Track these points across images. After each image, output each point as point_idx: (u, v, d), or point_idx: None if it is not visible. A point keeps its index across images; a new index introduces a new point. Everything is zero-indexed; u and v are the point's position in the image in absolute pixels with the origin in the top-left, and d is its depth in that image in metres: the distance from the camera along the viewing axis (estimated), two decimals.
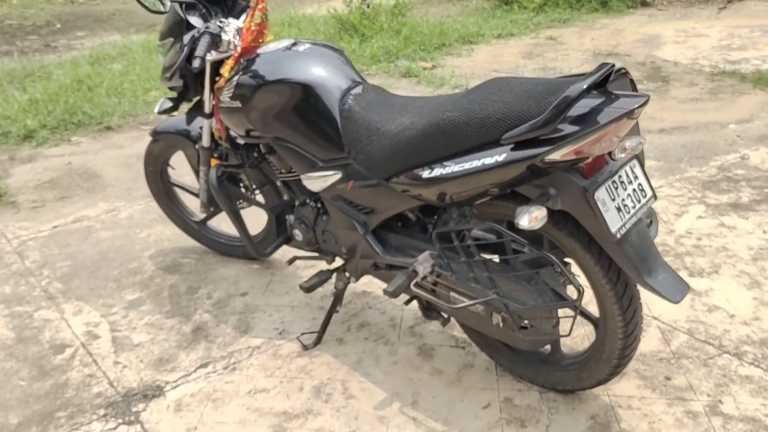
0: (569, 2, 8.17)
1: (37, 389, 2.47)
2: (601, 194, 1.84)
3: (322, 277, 2.56)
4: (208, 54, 2.47)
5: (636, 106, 1.75)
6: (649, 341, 2.54)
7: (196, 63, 2.24)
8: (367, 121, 2.21)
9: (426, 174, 2.01)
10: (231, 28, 2.57)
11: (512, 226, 2.03)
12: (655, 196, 1.99)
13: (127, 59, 6.78)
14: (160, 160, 3.14)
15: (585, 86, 1.73)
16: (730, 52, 6.45)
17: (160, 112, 2.68)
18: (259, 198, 2.88)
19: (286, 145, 2.40)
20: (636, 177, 1.95)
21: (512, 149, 1.83)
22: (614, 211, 1.86)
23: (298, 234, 2.63)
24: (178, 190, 3.29)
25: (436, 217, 2.26)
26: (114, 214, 3.79)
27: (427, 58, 6.53)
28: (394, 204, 2.24)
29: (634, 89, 2.04)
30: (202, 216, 3.17)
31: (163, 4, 2.41)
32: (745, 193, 3.69)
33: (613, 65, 1.83)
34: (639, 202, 1.94)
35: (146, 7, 2.36)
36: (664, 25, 7.58)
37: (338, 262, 2.61)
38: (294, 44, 2.44)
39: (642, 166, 1.99)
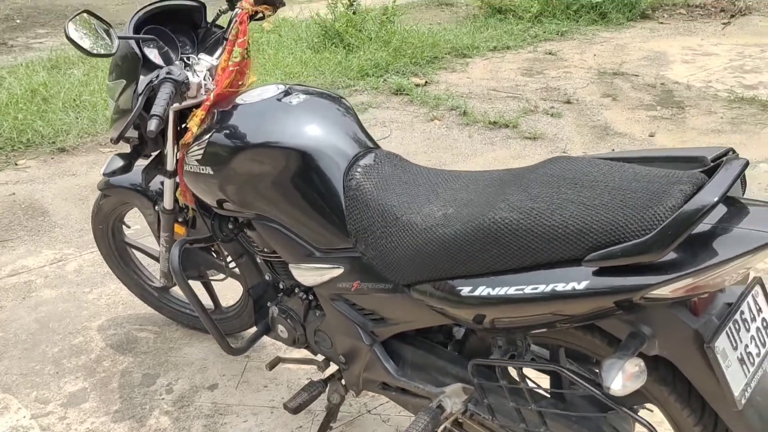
0: (566, 13, 7.66)
1: None
2: (721, 343, 1.31)
3: (313, 392, 2.00)
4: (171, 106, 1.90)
5: None
6: None
7: (152, 125, 1.66)
8: (382, 206, 1.66)
9: (466, 291, 1.46)
10: (202, 66, 2.00)
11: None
12: None
13: (90, 64, 6.13)
14: (111, 218, 2.55)
15: (715, 200, 1.19)
16: (745, 75, 5.97)
17: (108, 174, 2.08)
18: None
19: (271, 226, 1.84)
20: (760, 310, 1.42)
21: (596, 274, 1.29)
22: (737, 364, 1.33)
23: (282, 330, 2.07)
24: (134, 251, 2.71)
25: (468, 332, 1.73)
26: (60, 265, 3.19)
27: (420, 73, 5.98)
28: (413, 318, 1.69)
29: (743, 179, 1.51)
30: (164, 284, 2.60)
31: (109, 42, 1.80)
32: None
33: (747, 162, 1.31)
34: (764, 345, 1.41)
35: (85, 51, 1.76)
36: (668, 41, 7.10)
37: (333, 367, 2.05)
38: (286, 93, 1.87)
39: (764, 289, 1.46)
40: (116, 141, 1.82)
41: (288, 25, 7.31)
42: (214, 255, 2.37)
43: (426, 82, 5.80)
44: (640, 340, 1.35)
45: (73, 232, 3.48)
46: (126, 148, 2.09)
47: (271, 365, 2.16)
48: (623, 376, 1.27)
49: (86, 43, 1.74)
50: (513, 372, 1.67)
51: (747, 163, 1.30)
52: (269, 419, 2.27)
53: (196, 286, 2.20)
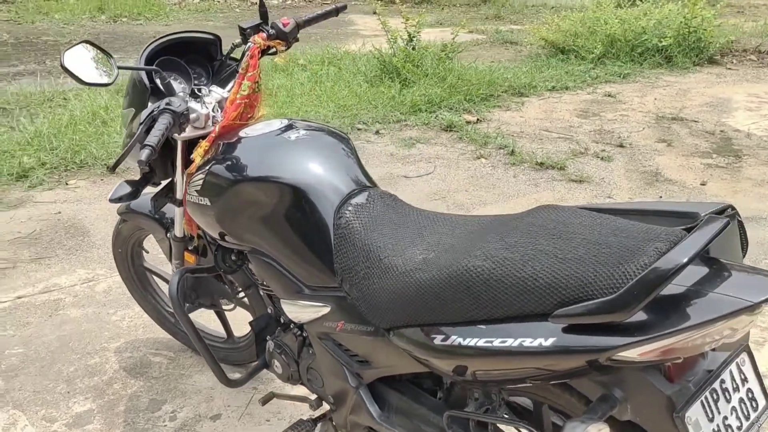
0: (630, 56, 7.54)
1: None
2: (694, 413, 1.23)
3: (302, 430, 1.98)
4: (176, 134, 1.93)
5: (763, 298, 1.14)
6: None
7: (143, 155, 1.67)
8: (368, 246, 1.63)
9: (439, 339, 1.41)
10: (212, 98, 2.02)
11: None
12: None
13: None
14: (130, 242, 2.59)
15: (685, 260, 1.13)
16: None
17: (114, 200, 2.11)
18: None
19: (264, 260, 1.83)
20: (745, 380, 1.34)
21: (565, 331, 1.23)
22: None
23: (277, 365, 2.05)
24: (153, 276, 2.75)
25: (449, 384, 1.67)
26: (90, 285, 3.26)
27: (473, 110, 5.95)
28: (394, 362, 1.65)
29: (744, 239, 1.44)
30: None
31: (110, 72, 1.83)
32: None
33: (728, 221, 1.23)
34: (747, 418, 1.32)
35: (80, 80, 1.79)
36: (734, 88, 6.91)
37: (325, 406, 2.02)
38: (288, 127, 1.88)
39: (752, 358, 1.37)
40: (113, 169, 1.84)
41: (349, 58, 7.40)
42: (228, 284, 2.37)
43: (478, 119, 5.76)
44: (610, 404, 1.28)
45: (109, 253, 3.52)
46: (137, 175, 2.13)
47: (264, 400, 2.14)
48: None
49: (83, 73, 1.76)
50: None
51: (728, 223, 1.22)
52: None
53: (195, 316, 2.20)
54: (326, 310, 1.73)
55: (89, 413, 2.44)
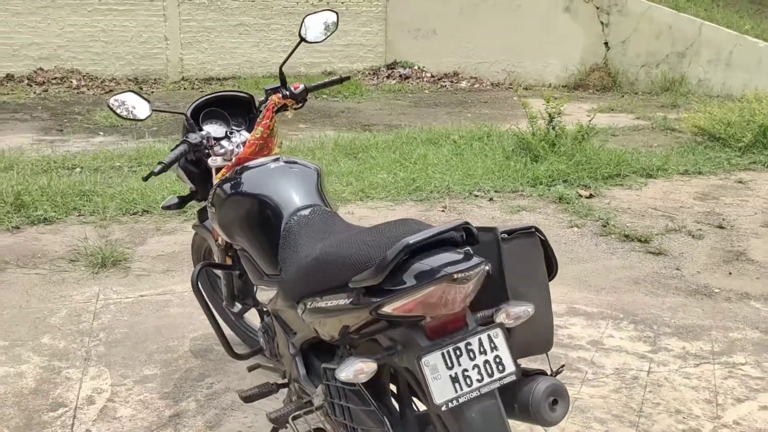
0: None
1: None
2: (432, 359, 1.72)
3: (263, 390, 2.57)
4: (210, 160, 2.67)
5: (456, 270, 1.63)
6: None
7: (156, 168, 2.43)
8: (296, 243, 2.26)
9: (309, 304, 2.00)
10: (238, 139, 2.75)
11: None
12: (516, 374, 1.79)
13: (315, 155, 7.28)
14: (201, 250, 3.38)
15: (411, 241, 1.66)
16: None
17: (164, 208, 2.91)
18: None
19: (244, 255, 2.50)
20: (494, 348, 1.79)
21: (359, 293, 1.78)
22: (447, 380, 1.72)
23: (262, 342, 2.69)
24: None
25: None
26: None
27: (590, 186, 6.28)
28: (303, 328, 2.23)
29: (548, 252, 1.92)
30: (236, 309, 3.33)
31: (145, 112, 2.57)
32: None
33: (464, 223, 1.73)
34: (490, 376, 1.76)
35: (119, 116, 2.57)
36: None
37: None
38: (274, 160, 2.56)
39: (506, 336, 1.81)
40: (146, 179, 2.61)
41: (496, 135, 7.97)
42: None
43: (591, 195, 6.09)
44: (389, 352, 1.80)
45: None
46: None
47: (251, 369, 2.78)
48: (352, 370, 1.74)
49: (123, 112, 2.54)
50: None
51: (463, 225, 1.72)
52: (263, 420, 2.86)
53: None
54: (274, 291, 2.35)
55: (153, 375, 3.20)
